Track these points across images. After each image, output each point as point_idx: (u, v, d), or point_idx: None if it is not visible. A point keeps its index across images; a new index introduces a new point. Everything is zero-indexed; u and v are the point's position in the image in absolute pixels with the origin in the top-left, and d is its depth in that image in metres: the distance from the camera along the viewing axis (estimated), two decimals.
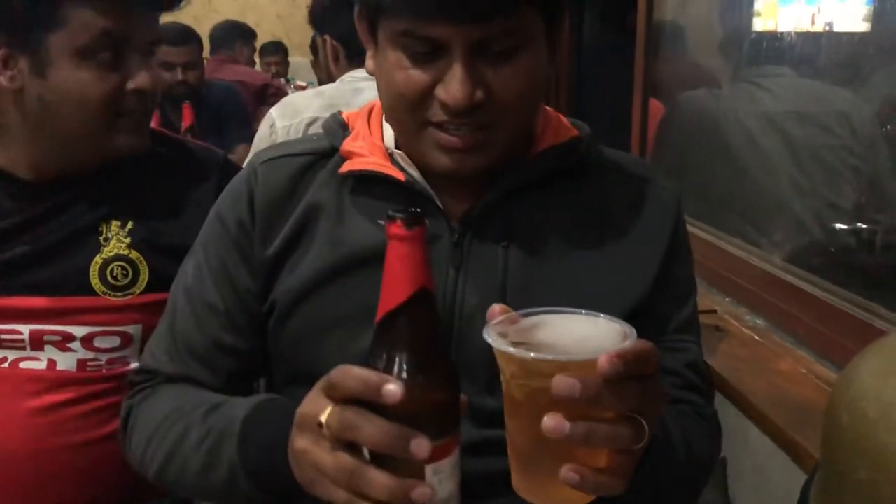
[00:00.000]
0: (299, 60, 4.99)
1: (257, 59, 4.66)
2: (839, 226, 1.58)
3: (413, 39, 0.80)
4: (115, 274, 1.13)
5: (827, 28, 1.61)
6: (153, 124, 1.22)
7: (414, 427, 0.64)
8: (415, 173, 0.90)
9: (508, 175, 0.90)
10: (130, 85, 1.08)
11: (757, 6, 1.81)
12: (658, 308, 0.93)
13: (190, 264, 0.98)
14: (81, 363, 1.12)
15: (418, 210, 0.65)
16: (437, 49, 0.80)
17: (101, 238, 1.13)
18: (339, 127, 0.96)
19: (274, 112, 1.95)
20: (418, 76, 0.81)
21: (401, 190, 0.90)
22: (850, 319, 1.34)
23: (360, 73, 1.92)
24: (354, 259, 0.88)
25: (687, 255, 0.99)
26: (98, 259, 1.12)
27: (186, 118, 2.99)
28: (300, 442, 0.69)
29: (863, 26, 1.52)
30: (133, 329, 1.14)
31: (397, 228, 0.64)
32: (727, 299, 1.72)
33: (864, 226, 1.52)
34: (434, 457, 0.64)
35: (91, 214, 1.14)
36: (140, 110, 1.11)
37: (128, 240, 1.14)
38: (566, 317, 0.67)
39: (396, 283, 0.65)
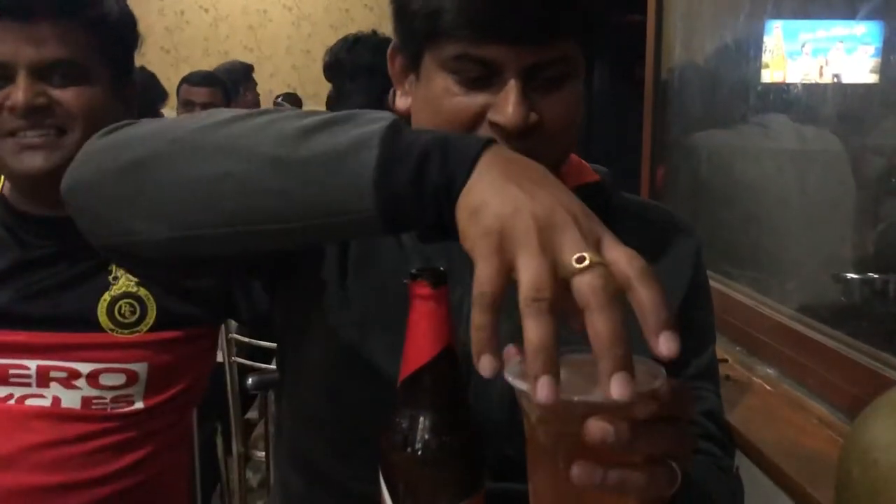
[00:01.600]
0: (313, 109, 5.07)
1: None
2: (851, 275, 1.58)
3: (468, 63, 0.79)
4: (122, 311, 1.13)
5: (835, 80, 1.63)
6: None
7: (441, 487, 0.64)
8: None
9: None
10: (7, 103, 1.06)
11: (765, 58, 1.84)
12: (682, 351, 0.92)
13: None
14: (86, 401, 1.12)
15: (442, 268, 0.64)
16: (489, 74, 0.80)
17: (111, 276, 1.14)
18: None
19: None
20: (469, 101, 0.81)
21: None
22: (861, 370, 1.33)
23: None
24: (389, 283, 0.86)
25: (706, 301, 0.98)
26: (107, 296, 1.13)
27: None
28: (539, 205, 0.55)
29: (871, 78, 1.53)
30: (139, 367, 1.14)
31: (422, 288, 0.63)
32: (738, 349, 1.71)
33: (877, 275, 1.52)
34: None
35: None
36: (30, 128, 1.07)
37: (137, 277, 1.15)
38: (589, 356, 0.64)
39: (421, 343, 0.64)
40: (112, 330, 1.13)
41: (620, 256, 0.53)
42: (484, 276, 0.53)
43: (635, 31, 2.51)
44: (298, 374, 0.93)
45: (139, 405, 1.14)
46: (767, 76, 1.85)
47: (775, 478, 1.21)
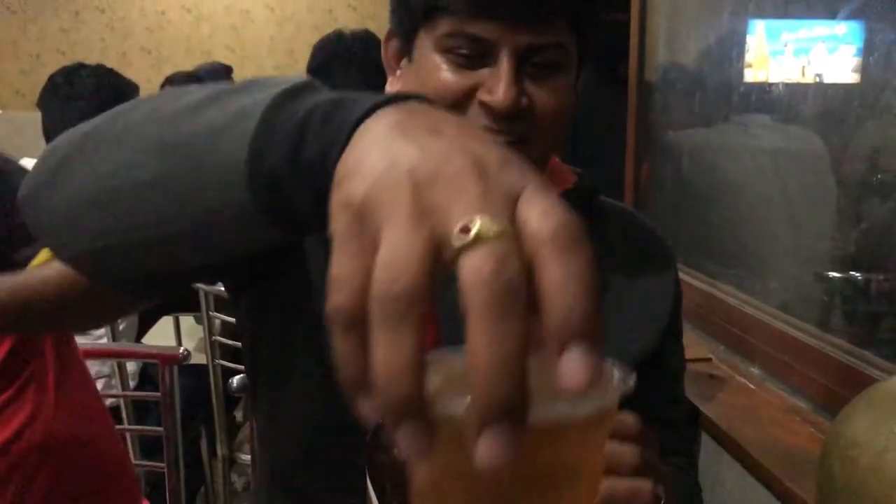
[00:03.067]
0: None
1: None
2: (833, 274, 1.59)
3: (461, 39, 0.77)
4: None
5: (817, 79, 1.64)
6: None
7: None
8: None
9: None
10: None
11: (748, 58, 1.85)
12: (669, 360, 0.94)
13: None
14: None
15: None
16: (482, 54, 0.78)
17: None
18: None
19: None
20: (458, 79, 0.78)
21: None
22: (843, 368, 1.33)
23: None
24: None
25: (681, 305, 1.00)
26: None
27: None
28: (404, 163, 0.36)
29: (852, 77, 1.54)
30: None
31: None
32: (722, 347, 1.72)
33: (858, 274, 1.53)
34: None
35: None
36: None
37: None
38: None
39: None
40: None
41: (532, 212, 0.34)
42: (339, 275, 0.34)
43: (619, 30, 2.52)
44: (283, 384, 0.88)
45: None
46: (751, 75, 1.86)
47: (757, 474, 1.21)
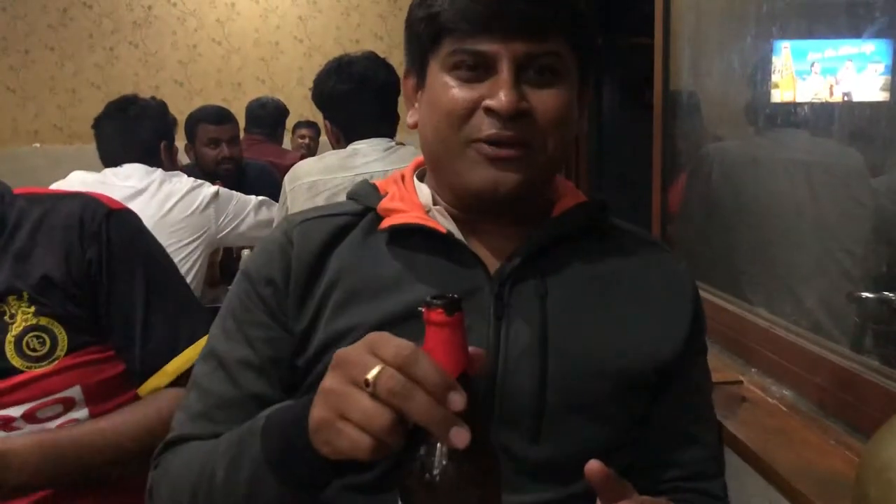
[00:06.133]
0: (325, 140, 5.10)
1: (287, 136, 4.76)
2: (866, 294, 1.57)
3: (464, 55, 0.88)
4: (31, 346, 1.11)
5: (845, 98, 1.63)
6: None
7: None
8: (452, 227, 0.95)
9: (542, 229, 0.95)
10: None
11: (775, 78, 1.84)
12: (689, 372, 0.97)
13: (216, 331, 0.98)
14: None
15: (456, 296, 0.65)
16: (484, 67, 0.88)
17: (7, 317, 1.12)
18: (372, 190, 1.01)
19: (286, 176, 2.27)
20: (464, 94, 0.88)
21: (440, 243, 0.93)
22: (877, 389, 1.32)
23: (357, 143, 2.19)
24: (397, 315, 0.88)
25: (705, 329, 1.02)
26: (9, 338, 1.11)
27: None
28: (331, 381, 0.68)
29: (881, 96, 1.53)
30: (73, 392, 1.13)
31: (438, 315, 0.63)
32: (753, 370, 1.70)
33: (892, 294, 1.51)
34: None
35: None
36: None
37: (32, 309, 1.12)
38: None
39: None
40: (28, 367, 1.10)
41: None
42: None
43: (642, 54, 2.52)
44: None
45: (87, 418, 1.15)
46: (777, 96, 1.85)
47: (791, 498, 1.20)
